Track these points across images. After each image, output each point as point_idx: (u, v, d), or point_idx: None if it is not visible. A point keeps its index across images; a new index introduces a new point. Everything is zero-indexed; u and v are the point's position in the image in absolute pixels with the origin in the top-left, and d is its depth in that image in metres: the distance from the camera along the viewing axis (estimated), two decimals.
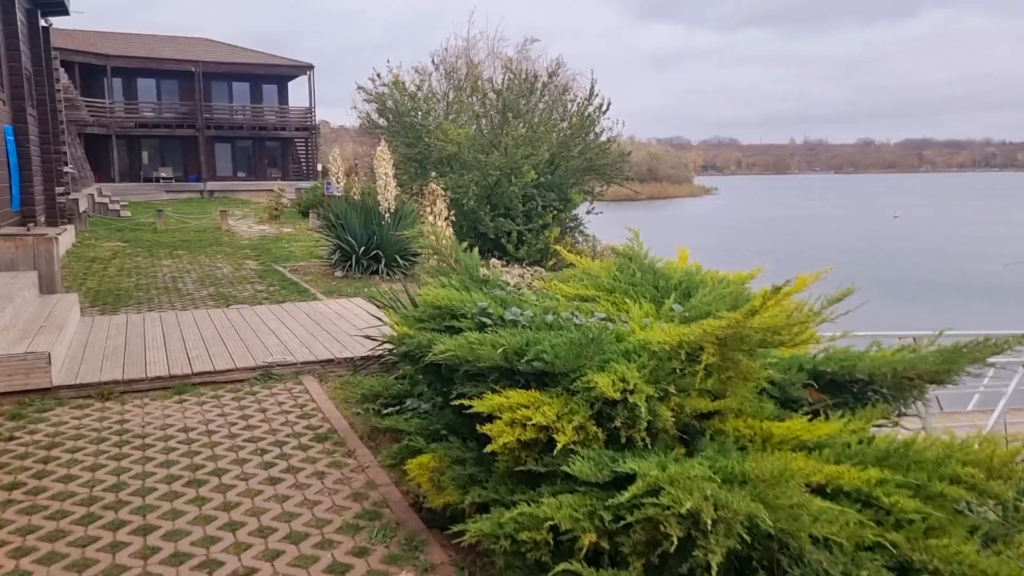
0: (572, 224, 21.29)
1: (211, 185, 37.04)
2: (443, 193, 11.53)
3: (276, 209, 24.26)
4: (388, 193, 11.89)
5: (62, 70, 19.23)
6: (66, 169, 17.55)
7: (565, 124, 20.15)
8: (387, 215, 11.89)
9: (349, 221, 11.85)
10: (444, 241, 10.64)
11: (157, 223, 20.08)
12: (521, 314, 3.44)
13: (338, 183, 12.25)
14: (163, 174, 36.94)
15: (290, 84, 41.65)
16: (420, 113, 20.17)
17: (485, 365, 3.04)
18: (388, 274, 11.77)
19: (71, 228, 15.93)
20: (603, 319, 3.41)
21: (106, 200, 23.94)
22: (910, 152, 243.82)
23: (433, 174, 19.77)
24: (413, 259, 12.24)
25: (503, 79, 20.28)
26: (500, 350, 3.01)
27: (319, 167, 39.98)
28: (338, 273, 12.02)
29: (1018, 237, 42.19)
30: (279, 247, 16.01)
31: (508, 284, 4.82)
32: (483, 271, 4.41)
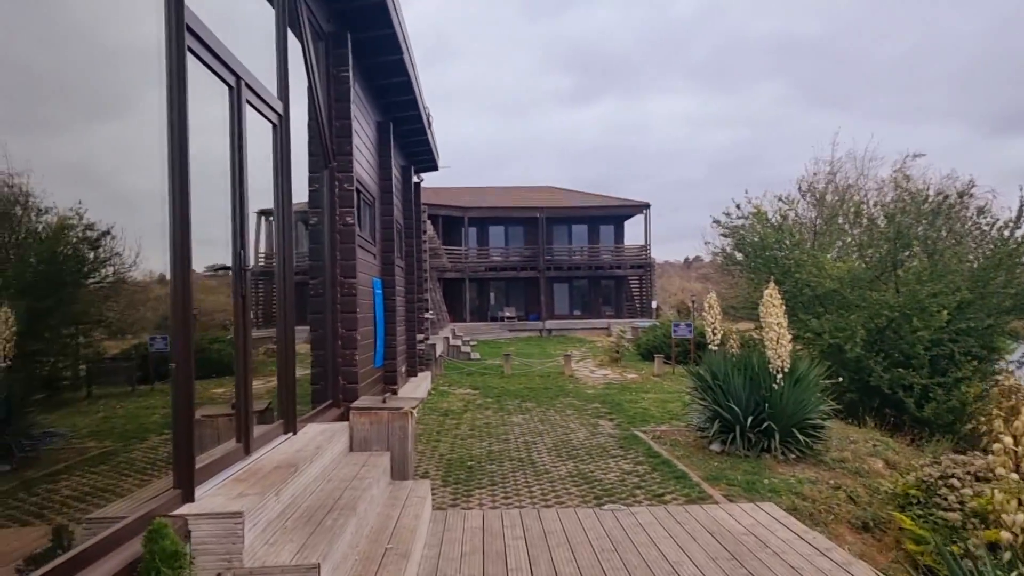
0: (995, 380, 16.38)
1: (549, 323, 37.71)
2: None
3: (617, 351, 22.91)
4: (782, 348, 9.34)
5: (429, 222, 20.42)
6: (427, 315, 18.02)
7: (981, 252, 15.91)
8: (779, 375, 9.30)
9: (731, 383, 9.47)
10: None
11: (504, 367, 19.76)
12: None
13: (714, 334, 10.08)
14: (507, 314, 38.64)
15: (626, 223, 41.89)
16: (787, 245, 17.49)
17: None
18: (783, 453, 9.04)
19: (428, 375, 15.89)
20: None
21: (459, 342, 24.78)
22: None
23: (805, 316, 16.76)
24: (815, 433, 9.36)
25: (892, 200, 16.90)
26: None
27: (653, 304, 38.77)
28: (714, 447, 9.59)
29: None
30: (629, 401, 14.15)
31: None
32: None
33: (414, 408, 6.65)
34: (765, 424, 9.14)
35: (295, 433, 5.77)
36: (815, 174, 20.02)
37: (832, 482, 8.30)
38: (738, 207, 18.02)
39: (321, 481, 5.29)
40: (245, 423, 4.68)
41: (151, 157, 3.80)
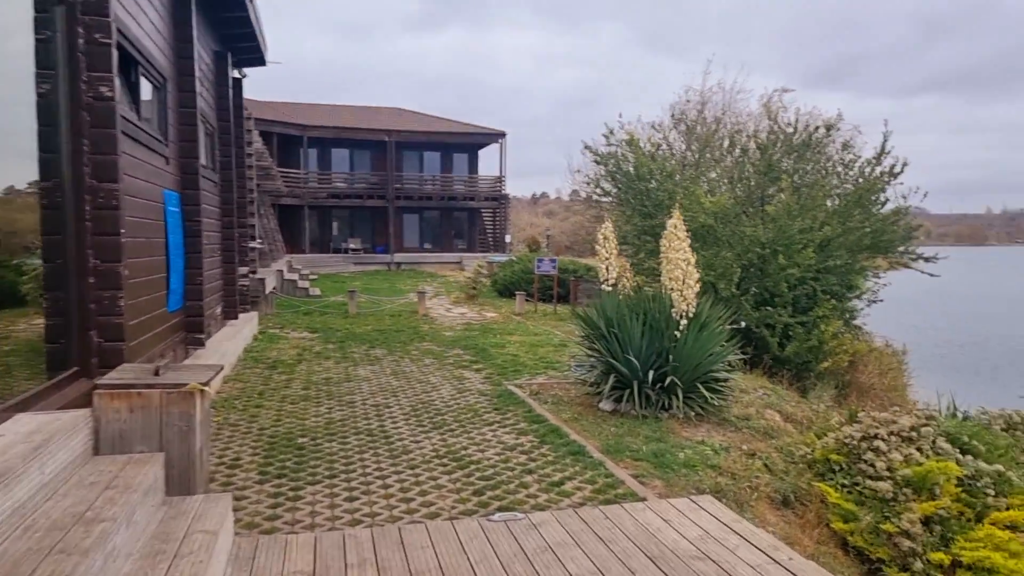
0: (849, 316, 16.19)
1: (398, 257, 35.28)
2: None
3: (474, 288, 21.09)
4: (688, 290, 7.78)
5: (256, 132, 17.26)
6: (254, 244, 15.17)
7: (849, 188, 15.36)
8: (683, 321, 7.76)
9: (630, 331, 7.82)
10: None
11: (349, 305, 17.34)
12: None
13: (608, 272, 8.35)
14: (352, 245, 35.69)
15: (480, 154, 39.74)
16: (658, 178, 16.17)
17: None
18: (686, 412, 7.58)
19: (254, 317, 13.24)
20: None
21: (296, 277, 21.90)
22: None
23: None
24: (719, 387, 7.97)
25: (765, 130, 15.97)
26: None
27: (507, 238, 37.31)
28: (604, 406, 7.98)
29: None
30: (494, 345, 12.37)
31: None
32: None
33: (208, 382, 4.34)
34: (668, 380, 7.60)
35: None
36: (687, 102, 18.78)
37: (745, 447, 6.92)
38: (611, 132, 16.43)
39: (16, 527, 2.97)
40: None
41: None
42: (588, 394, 8.43)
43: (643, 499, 5.16)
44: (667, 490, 5.60)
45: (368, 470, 5.89)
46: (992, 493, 5.81)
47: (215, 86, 10.52)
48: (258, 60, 12.32)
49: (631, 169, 16.20)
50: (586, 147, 16.87)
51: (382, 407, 8.06)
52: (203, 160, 9.11)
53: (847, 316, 16.44)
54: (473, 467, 5.97)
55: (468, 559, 4.04)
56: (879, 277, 15.38)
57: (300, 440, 6.74)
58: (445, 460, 6.16)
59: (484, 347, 12.17)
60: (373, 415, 7.70)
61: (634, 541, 4.26)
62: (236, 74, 12.13)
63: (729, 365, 8.41)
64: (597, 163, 16.51)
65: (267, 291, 15.84)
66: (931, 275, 14.29)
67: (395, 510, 5.03)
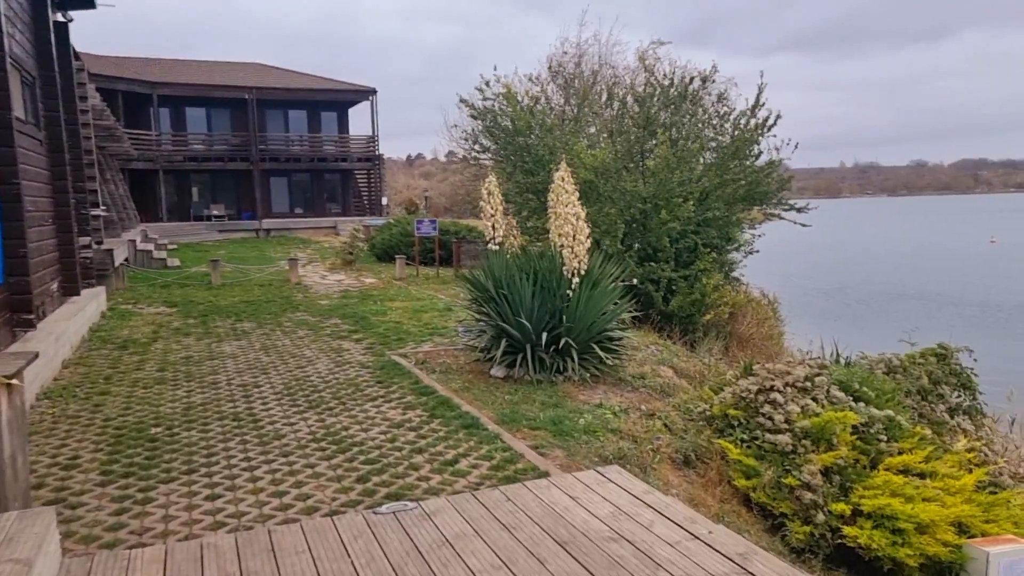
0: (728, 269, 16.59)
1: (266, 223, 33.34)
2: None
3: (350, 253, 20.08)
4: (579, 246, 7.41)
5: (92, 86, 15.39)
6: (96, 212, 13.56)
7: (726, 140, 15.57)
8: (575, 279, 7.40)
9: (520, 292, 7.37)
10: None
11: (212, 276, 15.98)
12: None
13: (494, 230, 7.82)
14: (215, 212, 33.34)
15: (350, 112, 37.98)
16: (538, 133, 15.77)
17: None
18: (582, 374, 7.27)
19: (101, 292, 11.83)
20: None
21: (151, 247, 20.05)
22: (965, 173, 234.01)
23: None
24: (613, 346, 7.71)
25: (642, 83, 15.88)
26: None
27: (384, 200, 36.10)
28: (496, 372, 7.55)
29: None
30: (375, 313, 11.66)
31: None
32: None
33: (16, 374, 3.49)
34: (562, 341, 7.24)
35: None
36: (564, 53, 18.41)
37: (644, 408, 6.70)
38: (487, 84, 15.79)
39: None
40: None
41: None
42: (479, 360, 7.96)
43: (546, 474, 4.76)
44: (569, 460, 5.24)
45: (234, 461, 5.16)
46: (884, 439, 5.84)
47: (32, 29, 9.03)
48: (86, 2, 10.76)
49: (509, 124, 15.71)
50: (462, 100, 16.19)
51: (250, 387, 7.25)
52: (19, 113, 7.78)
53: (727, 269, 16.85)
54: (356, 450, 5.37)
55: (352, 563, 3.48)
56: (754, 229, 15.77)
57: (153, 431, 5.87)
58: (323, 444, 5.51)
59: (364, 315, 11.43)
60: (240, 397, 6.89)
61: (541, 525, 3.83)
62: (59, 17, 10.54)
63: (622, 323, 8.18)
64: (474, 118, 15.90)
65: (116, 263, 14.27)
66: (803, 225, 14.76)
67: (265, 508, 4.37)
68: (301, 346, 9.25)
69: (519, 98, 16.23)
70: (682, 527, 3.74)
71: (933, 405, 7.31)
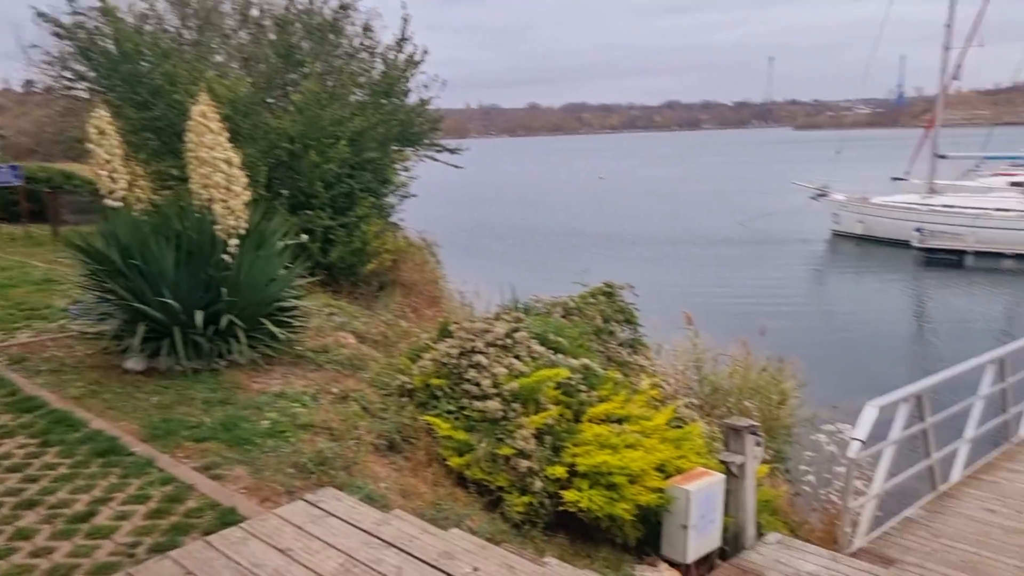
0: (387, 214, 15.98)
1: None
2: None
3: None
4: (235, 199, 6.00)
5: None
6: None
7: (375, 75, 14.70)
8: (233, 241, 6.01)
9: (159, 262, 5.72)
10: None
11: None
12: None
13: (113, 181, 5.89)
14: None
15: None
16: (151, 58, 13.12)
17: None
18: (252, 355, 5.99)
19: None
20: None
21: None
22: (571, 115, 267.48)
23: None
24: (289, 319, 6.53)
25: (283, 8, 14.15)
26: None
27: None
28: (135, 365, 5.89)
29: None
30: None
31: None
32: None
33: None
34: (224, 319, 5.85)
35: None
36: None
37: (335, 390, 5.76)
38: None
39: None
40: None
41: None
42: (107, 351, 6.15)
43: (233, 512, 3.58)
44: (258, 481, 4.11)
45: None
46: (585, 388, 5.73)
47: None
48: None
49: (112, 47, 12.82)
50: (40, 15, 12.71)
51: None
52: None
53: (386, 214, 16.20)
54: None
55: None
56: (408, 171, 15.32)
57: None
58: None
59: None
60: None
61: None
62: None
63: (296, 289, 6.99)
64: (61, 37, 12.65)
65: None
66: (456, 167, 14.70)
67: None
68: None
69: (122, 14, 13.30)
70: (438, 569, 2.96)
71: (607, 343, 7.58)
